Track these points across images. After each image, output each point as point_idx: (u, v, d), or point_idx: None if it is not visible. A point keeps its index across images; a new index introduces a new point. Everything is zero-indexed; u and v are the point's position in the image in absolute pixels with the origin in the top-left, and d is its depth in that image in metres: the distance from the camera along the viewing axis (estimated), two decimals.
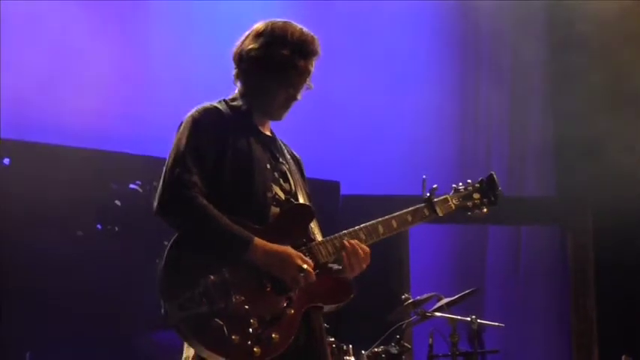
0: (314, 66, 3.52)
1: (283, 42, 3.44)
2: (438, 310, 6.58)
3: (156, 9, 8.08)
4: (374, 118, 8.77)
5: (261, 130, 3.56)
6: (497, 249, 9.67)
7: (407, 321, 6.64)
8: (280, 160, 3.54)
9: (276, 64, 3.44)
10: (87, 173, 7.08)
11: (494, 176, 3.80)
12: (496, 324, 6.77)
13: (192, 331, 3.14)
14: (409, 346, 6.63)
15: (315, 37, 3.52)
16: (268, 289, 3.25)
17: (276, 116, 3.57)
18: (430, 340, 6.74)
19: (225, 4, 7.93)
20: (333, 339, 6.11)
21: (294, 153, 3.73)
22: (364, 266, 3.47)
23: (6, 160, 6.97)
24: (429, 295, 6.70)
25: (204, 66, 7.29)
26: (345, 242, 3.44)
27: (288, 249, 3.30)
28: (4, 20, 7.13)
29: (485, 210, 3.83)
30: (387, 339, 6.46)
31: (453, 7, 9.25)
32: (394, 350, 6.33)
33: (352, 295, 3.43)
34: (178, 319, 3.11)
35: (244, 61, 3.49)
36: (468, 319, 6.51)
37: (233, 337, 3.13)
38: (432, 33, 9.27)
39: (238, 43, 3.54)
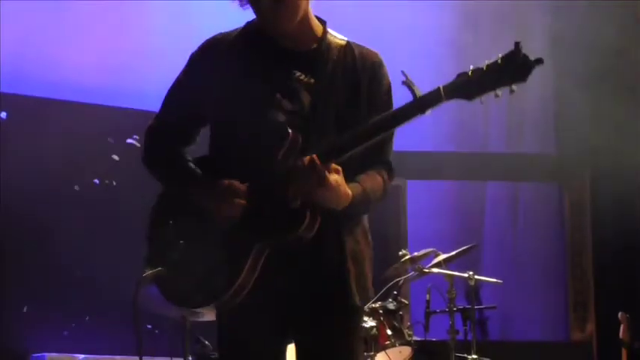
0: None
1: None
2: (436, 266, 6.61)
3: None
4: None
5: (284, 43, 3.13)
6: (496, 205, 9.69)
7: (404, 277, 6.66)
8: (298, 76, 3.10)
9: None
10: (84, 128, 7.06)
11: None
12: (493, 280, 6.81)
13: (156, 284, 3.10)
14: (406, 302, 6.66)
15: None
16: (219, 229, 3.01)
17: (274, 25, 3.11)
18: (427, 296, 6.78)
19: None
20: None
21: (362, 63, 3.17)
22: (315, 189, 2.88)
23: (3, 114, 6.96)
24: (426, 251, 6.72)
25: (206, 19, 7.19)
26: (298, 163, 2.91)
27: (221, 185, 2.99)
28: None
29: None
30: (385, 295, 6.49)
31: None
32: (391, 306, 6.34)
33: (305, 224, 2.92)
34: (150, 275, 3.09)
35: None
36: (466, 275, 6.54)
37: (189, 286, 3.02)
38: None
39: None
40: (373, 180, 3.10)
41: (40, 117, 7.02)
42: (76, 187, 7.16)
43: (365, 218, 3.20)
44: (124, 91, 7.47)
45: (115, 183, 7.27)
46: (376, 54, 3.22)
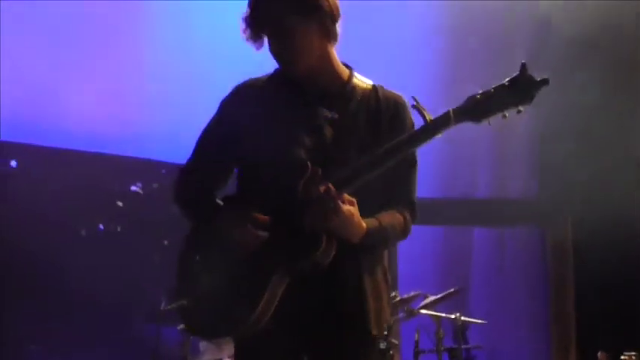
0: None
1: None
2: (424, 307, 6.76)
3: (155, 9, 7.97)
4: None
5: (309, 87, 3.21)
6: (482, 250, 9.82)
7: (394, 318, 6.76)
8: (322, 113, 3.17)
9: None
10: (90, 175, 7.26)
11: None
12: (479, 321, 6.98)
13: (180, 318, 3.20)
14: (396, 342, 6.79)
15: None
16: (240, 260, 3.06)
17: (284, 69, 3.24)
18: (416, 336, 6.90)
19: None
20: None
21: (386, 103, 3.24)
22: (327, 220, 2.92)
23: (13, 163, 7.17)
24: (415, 293, 6.86)
25: (207, 68, 7.32)
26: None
27: (235, 218, 3.07)
28: (5, 20, 7.15)
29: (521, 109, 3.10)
30: None
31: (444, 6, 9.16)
32: (382, 346, 6.38)
33: (319, 249, 2.97)
34: (170, 308, 3.22)
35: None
36: (453, 316, 6.72)
37: (211, 317, 3.07)
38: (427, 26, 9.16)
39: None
40: (392, 217, 3.15)
41: (48, 165, 7.20)
42: (83, 232, 7.34)
43: (385, 257, 3.27)
44: (127, 140, 7.54)
45: (119, 228, 7.37)
46: (400, 96, 3.28)
